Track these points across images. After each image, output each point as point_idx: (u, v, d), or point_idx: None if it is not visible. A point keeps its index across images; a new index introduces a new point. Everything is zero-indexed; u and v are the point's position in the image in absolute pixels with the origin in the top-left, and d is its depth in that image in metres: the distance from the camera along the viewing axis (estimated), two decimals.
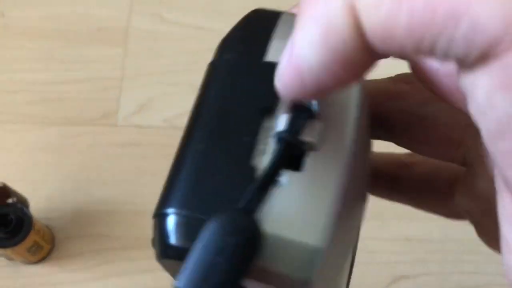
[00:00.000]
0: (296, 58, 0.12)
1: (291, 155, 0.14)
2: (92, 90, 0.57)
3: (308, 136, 0.14)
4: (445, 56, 0.11)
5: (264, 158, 0.14)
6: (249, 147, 0.14)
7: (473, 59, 0.10)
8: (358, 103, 0.15)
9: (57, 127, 0.55)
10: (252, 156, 0.14)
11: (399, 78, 0.19)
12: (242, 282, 0.13)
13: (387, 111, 0.19)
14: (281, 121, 0.14)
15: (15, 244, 0.45)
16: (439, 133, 0.19)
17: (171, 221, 0.14)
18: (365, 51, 0.11)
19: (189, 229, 0.13)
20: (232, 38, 0.16)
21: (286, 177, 0.14)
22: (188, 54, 0.58)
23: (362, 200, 0.19)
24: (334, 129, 0.14)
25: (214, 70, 0.16)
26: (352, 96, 0.15)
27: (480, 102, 0.11)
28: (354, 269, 0.20)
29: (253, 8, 0.17)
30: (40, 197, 0.52)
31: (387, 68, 0.19)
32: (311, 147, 0.14)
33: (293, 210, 0.13)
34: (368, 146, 0.19)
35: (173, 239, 0.14)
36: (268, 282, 0.13)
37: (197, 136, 0.15)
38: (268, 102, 0.14)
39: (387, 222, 0.51)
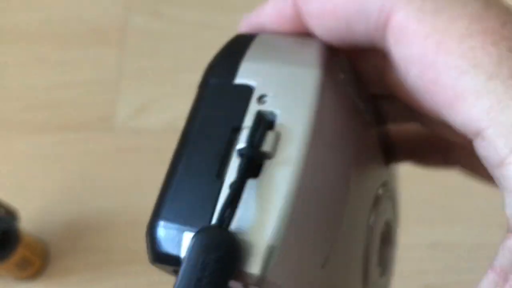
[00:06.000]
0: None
1: (255, 165, 0.15)
2: (87, 93, 0.53)
3: (266, 147, 0.15)
4: None
5: (230, 173, 0.16)
6: (220, 163, 0.16)
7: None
8: (317, 92, 0.16)
9: (50, 134, 0.51)
10: (223, 172, 0.16)
11: None
12: None
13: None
14: (242, 137, 0.16)
15: (1, 259, 0.41)
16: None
17: (158, 232, 0.16)
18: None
19: (173, 238, 0.16)
20: (214, 63, 0.18)
21: (247, 186, 0.15)
22: (188, 53, 0.54)
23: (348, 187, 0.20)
24: (290, 134, 0.16)
25: (198, 94, 0.18)
26: (309, 88, 0.16)
27: None
28: None
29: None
30: (32, 209, 0.48)
31: None
32: (268, 156, 0.15)
33: (251, 214, 0.15)
34: (361, 117, 0.20)
35: (160, 248, 0.16)
36: (237, 280, 0.15)
37: (180, 153, 0.17)
38: (238, 121, 0.16)
39: (407, 226, 0.46)
